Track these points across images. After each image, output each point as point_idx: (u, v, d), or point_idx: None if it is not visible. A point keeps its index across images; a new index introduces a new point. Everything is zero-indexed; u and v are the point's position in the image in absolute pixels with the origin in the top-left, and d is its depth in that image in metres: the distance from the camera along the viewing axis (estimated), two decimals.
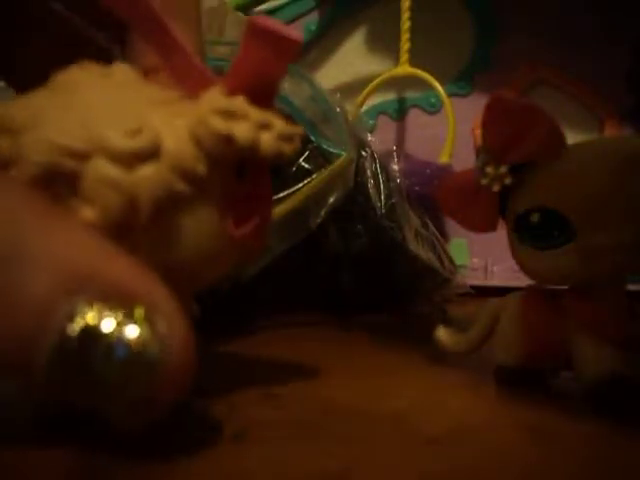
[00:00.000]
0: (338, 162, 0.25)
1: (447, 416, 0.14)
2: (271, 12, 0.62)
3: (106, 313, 0.09)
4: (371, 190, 0.30)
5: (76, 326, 0.09)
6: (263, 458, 0.11)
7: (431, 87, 0.53)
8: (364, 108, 0.58)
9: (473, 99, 0.58)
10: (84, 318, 0.09)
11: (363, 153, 0.29)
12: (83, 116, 0.12)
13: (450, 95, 0.54)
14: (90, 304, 0.09)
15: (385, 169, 0.31)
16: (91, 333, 0.09)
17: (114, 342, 0.09)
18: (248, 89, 0.13)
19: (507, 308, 0.17)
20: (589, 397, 0.15)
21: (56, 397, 0.10)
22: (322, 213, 0.25)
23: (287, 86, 0.27)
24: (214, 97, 0.13)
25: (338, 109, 0.28)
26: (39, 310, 0.09)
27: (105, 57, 0.16)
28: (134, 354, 0.09)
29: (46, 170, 0.11)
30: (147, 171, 0.11)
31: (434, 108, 0.59)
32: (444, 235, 0.47)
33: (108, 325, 0.09)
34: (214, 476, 0.10)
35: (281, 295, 0.29)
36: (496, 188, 0.16)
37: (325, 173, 0.25)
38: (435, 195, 0.18)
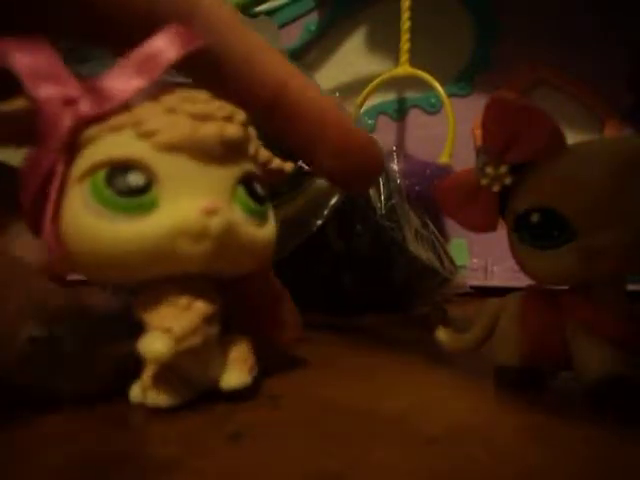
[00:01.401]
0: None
1: (447, 416, 0.14)
2: (271, 12, 0.63)
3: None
4: (371, 191, 0.30)
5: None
6: (263, 458, 0.11)
7: (431, 87, 0.53)
8: (364, 108, 0.58)
9: (473, 99, 0.58)
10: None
11: None
12: None
13: (450, 95, 0.54)
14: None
15: (385, 170, 0.31)
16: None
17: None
18: None
19: (507, 308, 0.17)
20: (589, 397, 0.15)
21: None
22: (323, 215, 0.25)
23: None
24: None
25: None
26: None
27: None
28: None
29: None
30: None
31: (434, 108, 0.59)
32: (444, 235, 0.47)
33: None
34: (214, 476, 0.10)
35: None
36: (496, 188, 0.16)
37: None
38: (435, 195, 0.18)
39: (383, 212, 0.30)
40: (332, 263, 0.31)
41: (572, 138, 0.15)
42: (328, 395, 0.16)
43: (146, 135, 0.13)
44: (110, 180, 0.13)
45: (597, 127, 0.55)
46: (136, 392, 0.14)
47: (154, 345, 0.13)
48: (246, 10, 0.58)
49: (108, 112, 0.14)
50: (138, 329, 0.14)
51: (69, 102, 0.14)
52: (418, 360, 0.20)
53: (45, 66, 0.14)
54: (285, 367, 0.18)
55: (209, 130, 0.14)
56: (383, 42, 0.60)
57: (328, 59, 0.63)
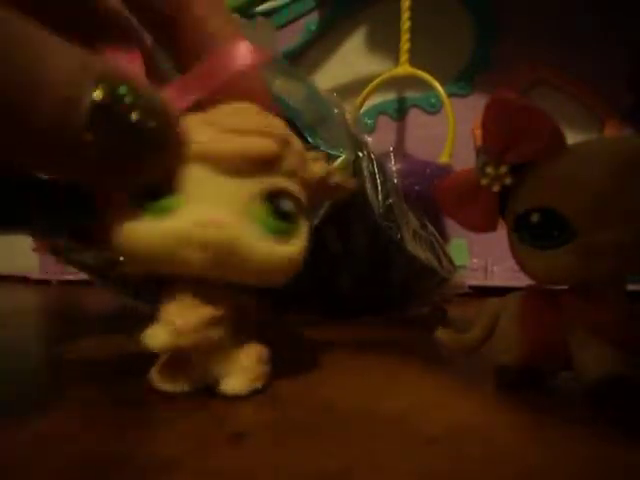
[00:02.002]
0: (336, 164, 0.25)
1: (447, 416, 0.14)
2: (271, 12, 0.63)
3: (118, 82, 0.12)
4: (369, 191, 0.30)
5: (101, 92, 0.12)
6: (263, 458, 0.11)
7: (431, 87, 0.53)
8: (364, 108, 0.58)
9: (473, 99, 0.58)
10: (106, 86, 0.12)
11: (360, 154, 0.29)
12: None
13: (450, 95, 0.55)
14: (105, 77, 0.12)
15: (383, 169, 0.31)
16: (115, 94, 0.12)
17: (133, 99, 0.12)
18: None
19: (507, 308, 0.17)
20: (589, 397, 0.15)
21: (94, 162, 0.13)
22: (320, 214, 0.25)
23: (284, 87, 0.27)
24: None
25: (335, 110, 0.28)
26: (71, 81, 0.12)
27: (127, 40, 0.17)
28: (147, 103, 0.13)
29: None
30: None
31: (434, 108, 0.59)
32: (444, 235, 0.47)
33: (124, 90, 0.12)
34: (214, 476, 0.10)
35: (280, 296, 0.29)
36: (496, 188, 0.16)
37: None
38: (435, 195, 0.18)
39: (381, 212, 0.30)
40: (330, 263, 0.31)
41: (572, 138, 0.15)
42: (328, 395, 0.16)
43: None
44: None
45: (597, 127, 0.55)
46: (150, 375, 0.16)
47: (155, 335, 0.14)
48: (246, 10, 0.58)
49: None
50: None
51: None
52: (418, 360, 0.20)
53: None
54: (285, 367, 0.18)
55: (232, 144, 0.14)
56: (383, 42, 0.60)
57: (328, 59, 0.63)
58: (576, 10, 0.55)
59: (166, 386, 0.15)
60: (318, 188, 0.17)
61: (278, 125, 0.15)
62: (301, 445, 0.12)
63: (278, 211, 0.15)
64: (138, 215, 0.14)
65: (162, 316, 0.15)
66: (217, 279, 0.15)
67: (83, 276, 0.29)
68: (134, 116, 0.12)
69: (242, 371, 0.15)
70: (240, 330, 0.16)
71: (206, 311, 0.15)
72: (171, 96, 0.15)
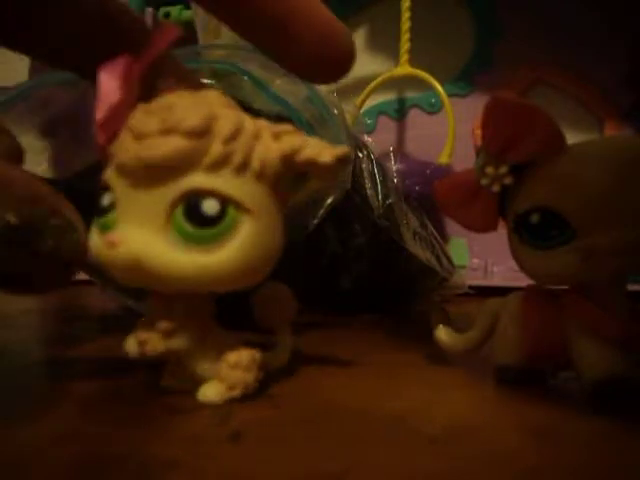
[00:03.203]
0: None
1: (447, 416, 0.14)
2: None
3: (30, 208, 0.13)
4: (368, 191, 0.30)
5: (11, 218, 0.12)
6: (263, 458, 0.11)
7: (431, 87, 0.53)
8: (364, 108, 0.58)
9: (473, 99, 0.58)
10: (14, 215, 0.12)
11: (360, 154, 0.29)
12: None
13: (450, 95, 0.54)
14: (16, 204, 0.13)
15: (382, 169, 0.31)
16: (25, 222, 0.13)
17: (44, 225, 0.13)
18: None
19: (507, 308, 0.17)
20: (589, 397, 0.15)
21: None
22: (319, 214, 0.25)
23: (284, 87, 0.27)
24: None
25: (335, 110, 0.28)
26: None
27: (138, 32, 0.17)
28: (57, 233, 0.13)
29: None
30: None
31: (434, 108, 0.59)
32: (444, 235, 0.47)
33: (37, 215, 0.13)
34: (214, 476, 0.10)
35: None
36: (496, 188, 0.16)
37: None
38: (435, 195, 0.18)
39: (381, 212, 0.30)
40: (330, 263, 0.31)
41: (572, 138, 0.15)
42: (328, 395, 0.16)
43: (113, 155, 0.14)
44: (96, 197, 0.15)
45: (597, 127, 0.55)
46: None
47: (129, 344, 0.15)
48: None
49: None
50: None
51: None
52: (418, 360, 0.20)
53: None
54: (285, 367, 0.18)
55: (131, 152, 0.13)
56: (383, 42, 0.60)
57: None
58: (576, 10, 0.55)
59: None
60: (288, 170, 0.14)
61: (188, 116, 0.13)
62: (301, 445, 0.12)
63: (196, 216, 0.13)
64: (94, 230, 0.15)
65: (137, 326, 0.15)
66: (169, 291, 0.15)
67: (83, 276, 0.29)
68: (44, 241, 0.13)
69: (219, 379, 0.15)
70: (204, 336, 0.15)
71: (163, 324, 0.15)
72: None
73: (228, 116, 0.14)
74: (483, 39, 0.58)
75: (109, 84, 0.14)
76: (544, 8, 0.56)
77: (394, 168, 0.45)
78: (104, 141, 0.14)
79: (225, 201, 0.13)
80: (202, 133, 0.13)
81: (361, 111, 0.57)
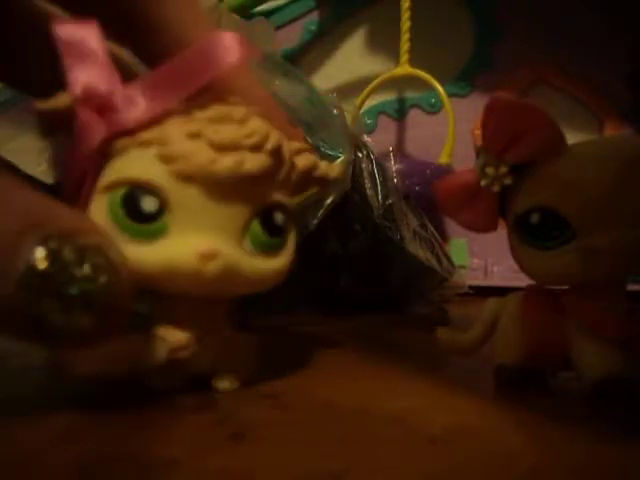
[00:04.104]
0: (335, 164, 0.25)
1: (447, 416, 0.14)
2: (271, 12, 0.63)
3: (63, 244, 0.11)
4: (368, 191, 0.30)
5: (39, 255, 0.11)
6: (263, 458, 0.11)
7: (431, 87, 0.53)
8: (364, 108, 0.58)
9: (473, 99, 0.58)
10: (46, 249, 0.11)
11: (360, 154, 0.29)
12: None
13: (450, 95, 0.54)
14: (48, 238, 0.11)
15: (382, 170, 0.32)
16: (55, 259, 0.11)
17: (75, 265, 0.11)
18: None
19: (507, 308, 0.17)
20: (589, 397, 0.15)
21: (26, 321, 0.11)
22: (319, 214, 0.25)
23: (284, 87, 0.27)
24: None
25: (335, 111, 0.28)
26: (5, 245, 0.11)
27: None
28: (90, 273, 0.11)
29: None
30: None
31: (434, 108, 0.59)
32: (444, 235, 0.47)
33: (67, 253, 0.11)
34: (214, 476, 0.10)
35: (279, 295, 0.29)
36: (496, 188, 0.16)
37: None
38: (435, 195, 0.18)
39: (381, 212, 0.30)
40: (330, 263, 0.31)
41: (572, 138, 0.15)
42: (328, 395, 0.16)
43: (166, 160, 0.13)
44: (126, 200, 0.13)
45: (597, 127, 0.55)
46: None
47: (153, 350, 0.14)
48: (245, 10, 0.58)
49: (139, 126, 0.14)
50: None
51: (106, 108, 0.13)
52: (418, 360, 0.21)
53: (87, 49, 0.14)
54: (285, 367, 0.18)
55: (226, 163, 0.13)
56: (383, 42, 0.60)
57: (328, 59, 0.63)
58: (576, 10, 0.55)
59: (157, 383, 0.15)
60: (300, 181, 0.16)
61: (271, 134, 0.14)
62: (301, 445, 0.12)
63: (270, 227, 0.14)
64: (114, 234, 0.13)
65: (158, 332, 0.14)
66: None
67: None
68: (73, 288, 0.11)
69: (233, 368, 0.15)
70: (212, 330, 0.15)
71: (194, 330, 0.14)
72: (138, 100, 0.13)
73: (280, 135, 0.15)
74: (483, 39, 0.58)
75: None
76: (544, 8, 0.56)
77: (394, 168, 0.45)
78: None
79: (288, 213, 0.15)
80: (278, 152, 0.14)
81: (361, 111, 0.57)
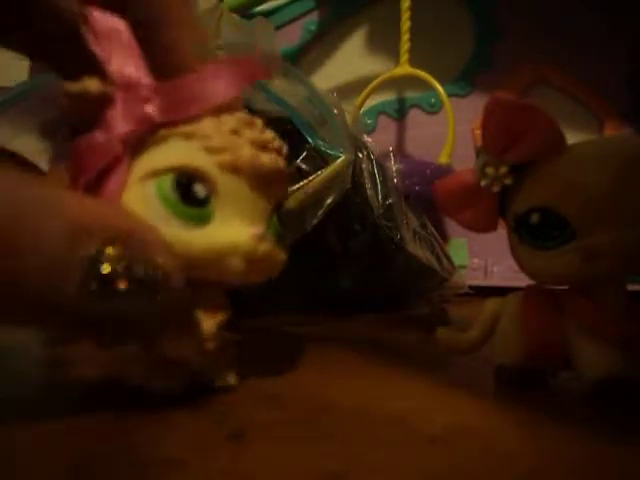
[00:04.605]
0: (336, 163, 0.25)
1: (447, 416, 0.14)
2: (271, 12, 0.63)
3: (120, 248, 0.12)
4: (368, 191, 0.30)
5: (99, 256, 0.12)
6: (263, 458, 0.11)
7: (431, 87, 0.53)
8: (364, 108, 0.58)
9: (473, 99, 0.58)
10: (104, 251, 0.12)
11: (360, 154, 0.29)
12: None
13: (450, 95, 0.54)
14: (106, 242, 0.12)
15: (382, 169, 0.32)
16: (113, 260, 0.12)
17: (131, 266, 0.12)
18: None
19: (507, 308, 0.17)
20: (589, 397, 0.15)
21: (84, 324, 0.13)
22: (319, 214, 0.25)
23: (284, 87, 0.27)
24: None
25: (335, 110, 0.28)
26: (67, 246, 0.11)
27: None
28: (148, 274, 0.12)
29: None
30: None
31: (434, 108, 0.59)
32: (444, 235, 0.47)
33: (127, 254, 0.12)
34: (215, 476, 0.10)
35: (279, 295, 0.29)
36: (496, 189, 0.16)
37: (323, 174, 0.25)
38: (435, 195, 0.18)
39: (381, 212, 0.30)
40: (330, 263, 0.31)
41: (572, 138, 0.15)
42: (328, 395, 0.16)
43: (213, 151, 0.14)
44: (179, 185, 0.14)
45: (597, 127, 0.55)
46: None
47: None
48: (246, 10, 0.58)
49: (180, 120, 0.14)
50: None
51: (144, 99, 0.14)
52: (418, 360, 0.21)
53: (124, 44, 0.14)
54: (285, 367, 0.18)
55: (267, 159, 0.15)
56: (383, 42, 0.60)
57: (328, 59, 0.63)
58: (576, 10, 0.55)
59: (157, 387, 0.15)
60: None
61: (282, 142, 0.16)
62: (301, 445, 0.12)
63: (282, 218, 0.16)
64: (163, 218, 0.14)
65: (198, 321, 0.15)
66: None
67: None
68: (126, 287, 0.12)
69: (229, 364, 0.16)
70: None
71: (220, 316, 0.15)
72: (191, 91, 0.14)
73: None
74: (483, 39, 0.58)
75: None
76: (544, 8, 0.56)
77: (394, 168, 0.45)
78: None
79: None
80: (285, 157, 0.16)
81: (361, 111, 0.57)
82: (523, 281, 0.17)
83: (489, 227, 0.18)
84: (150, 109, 0.14)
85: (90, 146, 0.14)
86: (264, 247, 0.14)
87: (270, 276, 0.16)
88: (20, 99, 0.26)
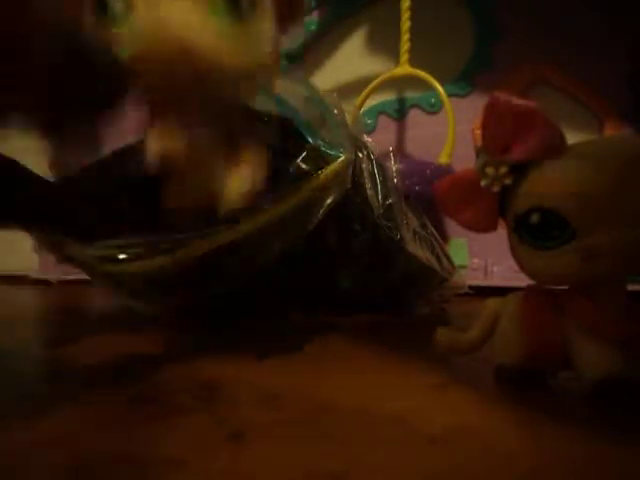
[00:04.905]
0: (336, 163, 0.25)
1: (447, 416, 0.14)
2: None
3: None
4: (368, 191, 0.30)
5: None
6: (263, 458, 0.11)
7: (431, 87, 0.53)
8: (364, 108, 0.58)
9: (473, 99, 0.58)
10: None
11: (360, 154, 0.29)
12: None
13: (450, 95, 0.54)
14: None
15: (382, 170, 0.31)
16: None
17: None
18: None
19: (507, 308, 0.17)
20: (589, 397, 0.15)
21: None
22: (319, 214, 0.25)
23: (284, 87, 0.27)
24: None
25: (335, 111, 0.28)
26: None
27: None
28: None
29: None
30: None
31: (434, 108, 0.59)
32: (444, 235, 0.47)
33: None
34: (215, 476, 0.10)
35: (279, 295, 0.29)
36: (496, 189, 0.16)
37: (323, 174, 0.25)
38: (435, 195, 0.18)
39: (381, 212, 0.30)
40: (330, 262, 0.31)
41: (572, 138, 0.15)
42: (328, 395, 0.16)
43: None
44: None
45: (597, 127, 0.55)
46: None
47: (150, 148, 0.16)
48: None
49: None
50: None
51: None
52: (418, 360, 0.20)
53: None
54: (285, 367, 0.18)
55: None
56: (383, 42, 0.60)
57: (328, 59, 0.63)
58: (576, 10, 0.55)
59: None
60: None
61: None
62: (301, 445, 0.12)
63: None
64: None
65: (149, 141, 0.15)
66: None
67: (83, 276, 0.29)
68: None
69: (237, 183, 0.16)
70: (230, 155, 0.16)
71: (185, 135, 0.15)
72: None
73: None
74: (483, 39, 0.58)
75: None
76: (544, 8, 0.56)
77: (394, 168, 0.45)
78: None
79: None
80: None
81: (361, 111, 0.57)
82: (523, 281, 0.17)
83: (489, 227, 0.18)
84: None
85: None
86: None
87: None
88: None
